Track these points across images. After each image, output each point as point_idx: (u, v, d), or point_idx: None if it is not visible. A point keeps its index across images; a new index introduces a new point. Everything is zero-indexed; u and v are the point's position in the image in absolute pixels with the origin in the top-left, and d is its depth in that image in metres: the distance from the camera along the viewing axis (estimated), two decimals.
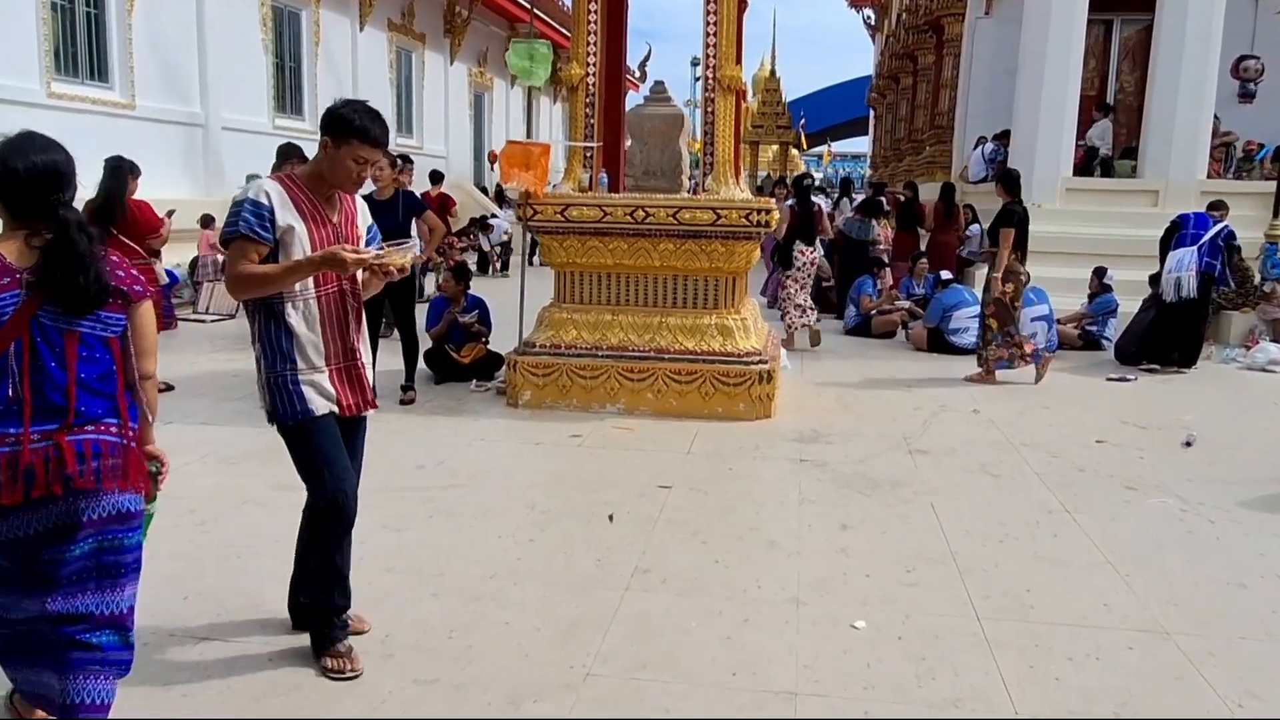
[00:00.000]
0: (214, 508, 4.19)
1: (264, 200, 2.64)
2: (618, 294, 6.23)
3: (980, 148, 15.31)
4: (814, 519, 4.23)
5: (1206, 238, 8.01)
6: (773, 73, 25.34)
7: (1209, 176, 12.00)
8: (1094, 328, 9.05)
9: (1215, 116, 12.11)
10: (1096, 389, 7.42)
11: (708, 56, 6.11)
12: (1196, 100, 11.66)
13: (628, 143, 6.86)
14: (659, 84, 6.58)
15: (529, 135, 24.02)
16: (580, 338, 6.16)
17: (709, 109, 6.14)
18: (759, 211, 5.94)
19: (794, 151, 30.33)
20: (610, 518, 4.17)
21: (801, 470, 4.97)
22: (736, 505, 4.42)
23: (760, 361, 6.03)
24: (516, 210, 6.11)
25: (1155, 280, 8.16)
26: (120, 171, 6.03)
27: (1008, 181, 7.63)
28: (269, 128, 13.72)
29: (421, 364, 6.64)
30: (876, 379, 7.56)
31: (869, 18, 35.87)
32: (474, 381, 6.72)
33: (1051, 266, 10.55)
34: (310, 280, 2.68)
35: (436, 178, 12.78)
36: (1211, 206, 8.50)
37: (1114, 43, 15.85)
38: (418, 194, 7.69)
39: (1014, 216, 7.29)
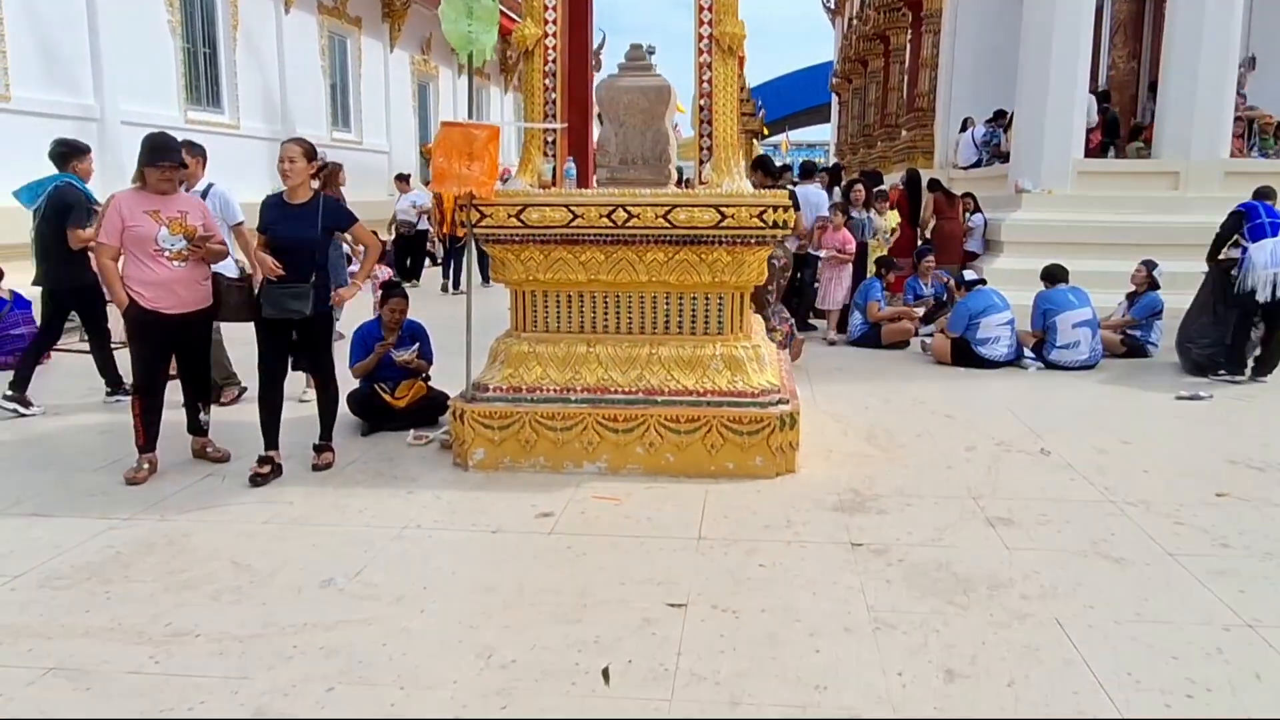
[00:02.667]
0: None
1: None
2: (594, 319, 4.83)
3: (970, 131, 14.18)
4: (902, 662, 2.89)
5: None
6: None
7: (1232, 155, 10.93)
8: (1137, 332, 7.84)
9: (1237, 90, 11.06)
10: (1170, 412, 6.18)
11: (701, 9, 4.74)
12: (1219, 72, 10.58)
13: (599, 125, 5.46)
14: (637, 48, 5.16)
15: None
16: (546, 377, 4.76)
17: (705, 77, 4.75)
18: (775, 209, 4.57)
19: (754, 141, 29.14)
20: (605, 675, 2.80)
21: (858, 562, 3.63)
22: (784, 639, 3.05)
23: (780, 401, 4.68)
24: (460, 215, 4.63)
25: (1225, 278, 6.93)
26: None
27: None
28: (180, 121, 12.11)
29: (344, 408, 5.20)
30: (905, 405, 6.26)
31: (829, 1, 34.82)
32: (412, 432, 5.29)
33: (1067, 259, 9.38)
34: None
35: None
36: (1262, 194, 7.23)
37: (1105, 17, 14.82)
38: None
39: None
